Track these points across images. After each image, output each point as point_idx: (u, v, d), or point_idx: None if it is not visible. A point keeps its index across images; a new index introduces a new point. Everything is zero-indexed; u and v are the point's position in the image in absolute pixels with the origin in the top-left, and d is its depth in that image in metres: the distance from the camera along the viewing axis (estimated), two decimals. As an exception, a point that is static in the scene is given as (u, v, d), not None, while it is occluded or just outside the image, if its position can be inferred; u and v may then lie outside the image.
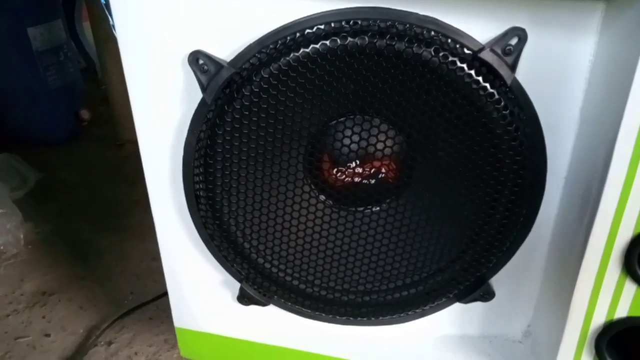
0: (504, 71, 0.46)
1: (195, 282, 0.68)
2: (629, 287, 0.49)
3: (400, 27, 0.46)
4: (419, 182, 0.54)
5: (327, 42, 0.46)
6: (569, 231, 0.53)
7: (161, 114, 0.55)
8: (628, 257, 0.47)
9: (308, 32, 0.47)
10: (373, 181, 0.55)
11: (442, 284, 0.59)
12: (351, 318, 0.64)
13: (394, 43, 0.45)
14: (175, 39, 0.51)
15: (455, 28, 0.47)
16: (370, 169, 0.54)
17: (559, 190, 0.54)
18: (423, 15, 0.47)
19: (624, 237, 0.47)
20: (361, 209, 0.57)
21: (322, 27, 0.47)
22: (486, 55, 0.46)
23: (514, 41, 0.46)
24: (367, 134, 0.51)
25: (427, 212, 0.55)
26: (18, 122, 2.02)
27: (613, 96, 0.44)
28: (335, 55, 0.46)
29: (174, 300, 0.70)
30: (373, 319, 0.64)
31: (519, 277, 0.60)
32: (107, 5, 0.55)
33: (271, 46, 0.48)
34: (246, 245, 0.59)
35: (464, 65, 0.45)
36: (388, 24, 0.46)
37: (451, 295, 0.61)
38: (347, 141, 0.52)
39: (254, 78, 0.48)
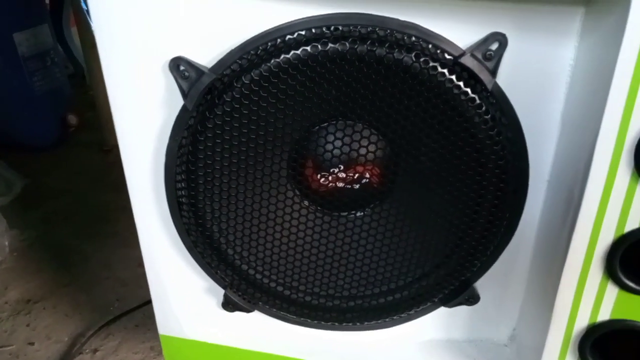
0: (484, 76, 0.46)
1: (179, 289, 0.67)
2: (611, 290, 0.49)
3: (381, 33, 0.46)
4: (403, 187, 0.54)
5: (308, 48, 0.45)
6: (552, 235, 0.53)
7: (142, 121, 0.55)
8: (609, 261, 0.47)
9: (289, 38, 0.47)
10: (357, 186, 0.55)
11: (427, 288, 0.59)
12: (336, 323, 0.64)
13: (374, 49, 0.45)
14: (155, 45, 0.50)
15: (436, 33, 0.47)
16: (354, 174, 0.54)
17: (542, 194, 0.55)
18: (404, 21, 0.47)
19: (605, 240, 0.47)
20: (345, 214, 0.57)
21: (303, 32, 0.47)
22: (467, 61, 0.46)
23: (494, 46, 0.46)
24: (349, 139, 0.51)
25: (411, 217, 0.55)
26: (4, 128, 2.00)
27: (593, 100, 0.44)
28: (316, 61, 0.46)
29: (158, 308, 0.70)
30: (358, 324, 0.64)
31: (503, 281, 0.60)
32: (88, 10, 0.54)
33: (252, 52, 0.48)
34: (230, 251, 0.58)
35: (445, 71, 0.45)
36: (369, 29, 0.46)
37: (436, 300, 0.61)
38: (330, 146, 0.52)
39: (235, 84, 0.48)
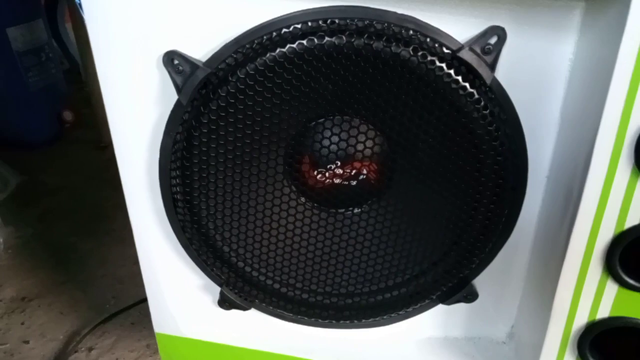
0: (483, 70, 0.46)
1: (175, 286, 0.67)
2: (611, 287, 0.49)
3: (379, 26, 0.45)
4: (400, 184, 0.54)
5: (304, 42, 0.45)
6: (551, 232, 0.53)
7: (136, 116, 0.54)
8: (609, 258, 0.47)
9: (285, 32, 0.46)
10: (354, 183, 0.54)
11: (424, 285, 0.59)
12: (334, 321, 0.63)
13: (371, 42, 0.44)
14: (149, 39, 0.50)
15: (434, 27, 0.46)
16: (351, 170, 0.53)
17: (541, 191, 0.54)
18: (401, 14, 0.46)
19: (604, 237, 0.47)
20: (342, 210, 0.56)
21: (298, 26, 0.46)
22: (465, 55, 0.45)
23: (493, 40, 0.45)
24: (346, 135, 0.51)
25: (409, 214, 0.55)
26: (-2, 125, 1.99)
27: (592, 96, 0.44)
28: (312, 55, 0.45)
29: (153, 306, 0.69)
30: (356, 321, 0.63)
31: (502, 278, 0.60)
32: (81, 4, 0.54)
33: (247, 46, 0.47)
34: (225, 248, 0.58)
35: (443, 65, 0.45)
36: (366, 23, 0.46)
37: (434, 297, 0.61)
38: (327, 142, 0.51)
39: (230, 78, 0.47)
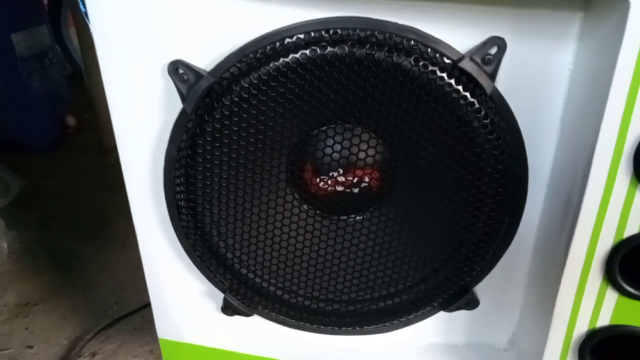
0: (483, 80, 0.46)
1: (178, 292, 0.67)
2: (611, 295, 0.49)
3: (380, 37, 0.46)
4: (402, 191, 0.54)
5: (307, 52, 0.45)
6: (551, 239, 0.53)
7: (141, 124, 0.55)
8: (609, 266, 0.47)
9: (288, 42, 0.47)
10: (356, 190, 0.55)
11: (426, 292, 0.59)
12: (336, 328, 0.63)
13: (373, 52, 0.45)
14: (154, 48, 0.50)
15: (435, 37, 0.47)
16: (353, 178, 0.54)
17: (541, 199, 0.55)
18: (402, 25, 0.47)
19: (604, 245, 0.47)
20: (344, 217, 0.57)
21: (302, 36, 0.47)
22: (466, 65, 0.46)
23: (493, 50, 0.46)
24: (348, 143, 0.51)
25: (410, 221, 0.55)
26: (1, 129, 1.99)
27: (592, 104, 0.44)
28: (315, 64, 0.46)
29: (157, 311, 0.69)
30: (357, 328, 0.63)
31: (502, 285, 0.60)
32: (87, 12, 0.54)
33: (251, 55, 0.48)
34: (229, 255, 0.58)
35: (444, 75, 0.45)
36: (368, 33, 0.46)
37: (435, 304, 0.61)
38: (329, 150, 0.52)
39: (234, 87, 0.48)
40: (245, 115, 0.49)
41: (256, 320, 0.66)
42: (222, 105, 0.48)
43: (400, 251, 0.56)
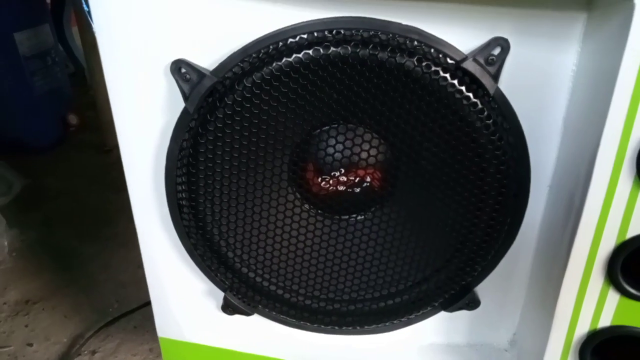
0: (486, 81, 0.46)
1: (178, 291, 0.67)
2: (612, 296, 0.49)
3: (383, 37, 0.46)
4: (404, 191, 0.54)
5: (310, 52, 0.45)
6: (553, 240, 0.53)
7: (143, 123, 0.55)
8: (611, 267, 0.47)
9: (291, 42, 0.47)
10: (358, 190, 0.55)
11: (427, 292, 0.59)
12: (336, 327, 0.63)
13: (376, 53, 0.45)
14: (157, 48, 0.50)
15: (438, 38, 0.47)
16: (355, 177, 0.54)
17: (543, 199, 0.54)
18: (406, 25, 0.47)
19: (606, 246, 0.47)
20: (346, 217, 0.57)
21: (305, 36, 0.47)
22: (469, 65, 0.46)
23: (496, 51, 0.46)
24: (351, 142, 0.51)
25: (412, 221, 0.55)
26: (3, 128, 2.00)
27: (595, 105, 0.44)
28: (318, 64, 0.46)
29: (157, 310, 0.70)
30: (358, 328, 0.63)
31: (504, 286, 0.60)
32: (90, 12, 0.54)
33: (254, 55, 0.48)
34: (230, 254, 0.58)
35: (447, 75, 0.45)
36: (371, 33, 0.46)
37: (436, 304, 0.61)
38: (331, 150, 0.52)
39: (237, 87, 0.48)
40: (248, 115, 0.49)
41: (256, 320, 0.66)
42: (225, 105, 0.48)
43: (402, 251, 0.56)
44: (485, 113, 0.47)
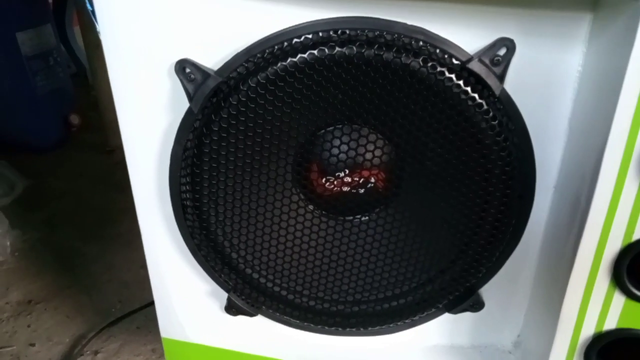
0: (492, 81, 0.46)
1: (182, 292, 0.67)
2: (618, 298, 0.49)
3: (389, 37, 0.46)
4: (408, 192, 0.54)
5: (315, 52, 0.45)
6: (559, 241, 0.53)
7: (148, 123, 0.55)
8: (617, 268, 0.47)
9: (296, 42, 0.47)
10: (362, 190, 0.54)
11: (431, 294, 0.59)
12: (340, 329, 0.63)
13: (382, 53, 0.45)
14: (161, 48, 0.50)
15: (444, 38, 0.47)
16: (359, 178, 0.54)
17: (548, 201, 0.54)
18: (411, 25, 0.47)
19: (612, 248, 0.47)
20: (350, 218, 0.56)
21: (310, 36, 0.47)
22: (474, 66, 0.45)
23: (502, 52, 0.46)
24: (355, 143, 0.51)
25: (416, 222, 0.55)
26: (6, 128, 2.00)
27: (601, 106, 0.44)
28: (323, 64, 0.46)
29: (160, 310, 0.69)
30: (362, 329, 0.63)
31: (508, 287, 0.60)
32: (94, 12, 0.54)
33: (259, 55, 0.48)
34: (234, 255, 0.58)
35: (453, 76, 0.45)
36: (376, 33, 0.46)
37: (441, 306, 0.61)
38: (335, 150, 0.52)
39: (241, 87, 0.47)
40: (252, 115, 0.49)
41: (260, 321, 0.66)
42: (229, 105, 0.48)
43: (406, 252, 0.56)
44: (491, 114, 0.46)
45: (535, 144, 0.51)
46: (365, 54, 0.45)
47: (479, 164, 0.49)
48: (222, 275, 0.61)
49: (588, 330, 0.51)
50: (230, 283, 0.61)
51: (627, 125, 0.42)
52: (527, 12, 0.46)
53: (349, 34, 0.46)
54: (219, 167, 0.52)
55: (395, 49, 0.45)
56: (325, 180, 0.54)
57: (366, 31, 0.46)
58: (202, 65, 0.49)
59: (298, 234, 0.56)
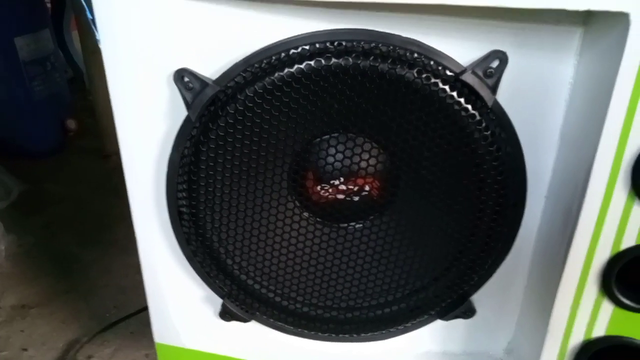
0: (485, 93, 0.47)
1: (177, 297, 0.67)
2: (606, 306, 0.49)
3: (384, 49, 0.47)
4: (403, 200, 0.55)
5: (312, 63, 0.46)
6: (550, 250, 0.53)
7: (145, 130, 0.55)
8: (606, 277, 0.48)
9: (293, 52, 0.48)
10: (357, 198, 0.55)
11: (424, 301, 0.59)
12: (334, 335, 0.64)
13: (377, 64, 0.46)
14: (161, 57, 0.51)
15: (438, 50, 0.47)
16: (354, 186, 0.54)
17: (540, 210, 0.55)
18: (406, 37, 0.47)
19: (601, 257, 0.48)
20: (345, 225, 0.57)
21: (307, 47, 0.48)
22: (468, 78, 0.46)
23: (495, 64, 0.47)
24: (350, 152, 0.52)
25: (410, 230, 0.55)
26: (3, 133, 1.99)
27: (592, 117, 0.45)
28: (319, 75, 0.46)
29: (155, 316, 0.70)
30: (355, 335, 0.64)
31: (500, 295, 0.61)
32: (94, 20, 0.55)
33: (256, 65, 0.48)
34: (229, 261, 0.59)
35: (446, 87, 0.46)
36: (372, 45, 0.47)
37: (433, 313, 0.61)
38: (331, 159, 0.52)
39: (239, 96, 0.48)
40: (249, 124, 0.49)
41: (254, 326, 0.66)
42: (227, 114, 0.49)
43: (401, 259, 0.57)
44: (484, 124, 0.47)
45: (527, 153, 0.51)
46: (361, 65, 0.46)
47: (473, 173, 0.50)
48: (217, 281, 0.61)
49: (577, 338, 0.52)
50: (225, 289, 0.62)
51: (616, 136, 0.43)
52: (519, 26, 0.47)
53: (346, 45, 0.47)
54: (216, 174, 0.52)
55: (390, 60, 0.46)
56: (320, 188, 0.55)
57: (362, 43, 0.47)
58: (200, 74, 0.50)
59: (293, 240, 0.57)
